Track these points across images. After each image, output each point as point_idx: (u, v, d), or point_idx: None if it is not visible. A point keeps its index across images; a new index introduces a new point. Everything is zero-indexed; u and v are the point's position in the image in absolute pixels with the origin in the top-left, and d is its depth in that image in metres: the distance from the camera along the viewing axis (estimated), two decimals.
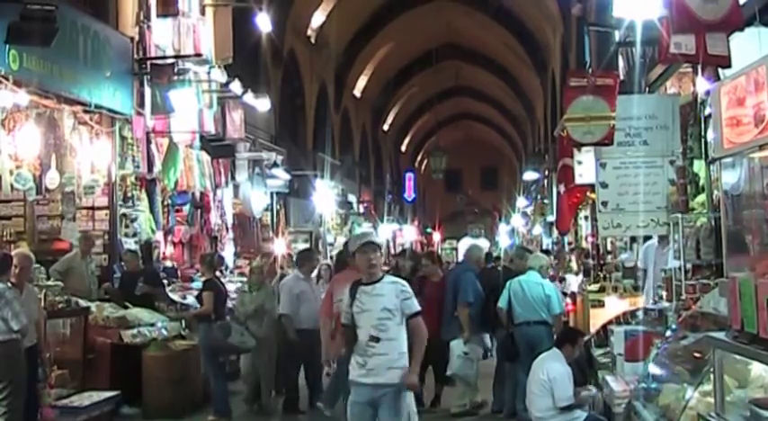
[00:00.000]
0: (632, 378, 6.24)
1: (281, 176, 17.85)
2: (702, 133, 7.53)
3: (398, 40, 28.97)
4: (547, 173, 24.11)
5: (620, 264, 11.23)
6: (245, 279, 11.24)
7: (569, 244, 18.57)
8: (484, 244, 12.92)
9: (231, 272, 13.88)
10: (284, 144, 20.21)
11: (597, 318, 9.08)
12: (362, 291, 5.23)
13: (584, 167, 11.69)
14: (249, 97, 14.32)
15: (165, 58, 12.02)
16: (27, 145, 9.20)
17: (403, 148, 43.02)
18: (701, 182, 7.76)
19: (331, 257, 21.00)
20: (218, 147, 14.11)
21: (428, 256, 10.45)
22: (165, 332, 9.38)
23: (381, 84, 32.76)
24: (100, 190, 10.81)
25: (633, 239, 10.76)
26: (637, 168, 8.67)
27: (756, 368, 4.03)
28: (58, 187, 10.05)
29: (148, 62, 11.61)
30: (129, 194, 11.31)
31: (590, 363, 7.75)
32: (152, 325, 9.34)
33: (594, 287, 10.85)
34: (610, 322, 8.05)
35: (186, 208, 13.62)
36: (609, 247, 13.84)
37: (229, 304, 9.68)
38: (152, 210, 11.82)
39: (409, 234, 39.01)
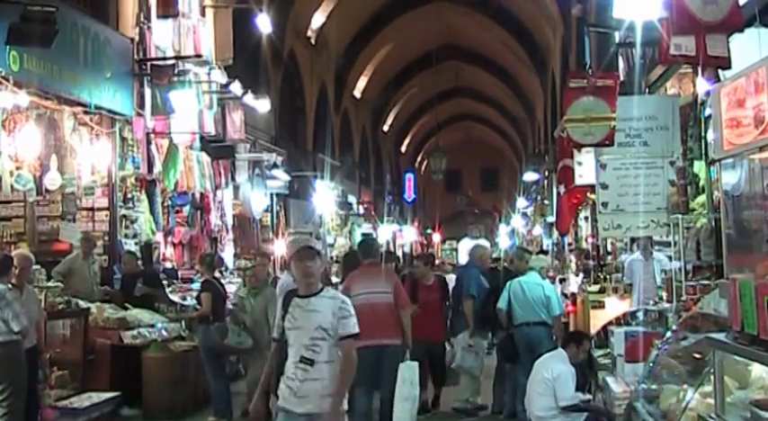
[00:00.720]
0: (632, 379, 6.24)
1: (281, 177, 17.86)
2: (702, 134, 7.54)
3: (398, 40, 28.98)
4: (547, 173, 24.11)
5: (620, 264, 11.24)
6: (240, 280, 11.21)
7: (569, 245, 18.56)
8: (484, 245, 12.96)
9: (231, 273, 13.88)
10: (284, 145, 20.21)
11: (597, 319, 9.08)
12: (296, 305, 4.58)
13: (585, 168, 11.70)
14: (249, 98, 14.32)
15: (165, 58, 12.03)
16: (27, 146, 9.21)
17: (403, 149, 43.03)
18: (702, 183, 7.77)
19: (331, 258, 21.08)
20: (218, 148, 14.11)
21: (421, 258, 10.41)
22: (164, 333, 9.38)
23: (381, 84, 32.77)
24: (100, 191, 10.82)
25: (633, 240, 10.78)
26: (637, 169, 8.66)
27: (757, 369, 4.03)
28: (59, 188, 10.05)
29: (149, 63, 11.62)
30: (130, 195, 11.31)
31: (590, 364, 7.74)
32: (152, 326, 9.35)
33: (595, 288, 10.85)
34: (610, 323, 8.04)
35: (186, 209, 13.63)
36: (609, 248, 13.84)
37: (229, 305, 9.66)
38: (152, 211, 11.82)
39: (409, 235, 39.01)
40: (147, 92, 11.55)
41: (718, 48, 5.82)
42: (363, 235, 21.39)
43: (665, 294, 7.96)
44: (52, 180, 9.78)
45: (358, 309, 7.52)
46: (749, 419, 3.65)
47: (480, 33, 29.66)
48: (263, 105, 15.08)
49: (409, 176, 41.02)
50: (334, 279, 12.68)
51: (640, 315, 7.68)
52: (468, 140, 47.16)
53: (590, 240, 15.30)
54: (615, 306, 9.27)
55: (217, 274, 10.01)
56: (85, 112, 10.10)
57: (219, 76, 13.76)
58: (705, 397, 4.31)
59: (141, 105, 11.44)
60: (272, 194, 18.03)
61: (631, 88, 10.30)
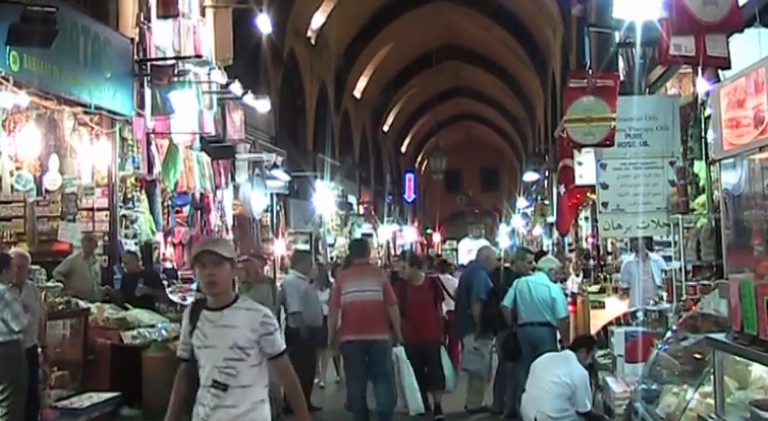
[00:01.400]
0: (632, 379, 6.25)
1: (281, 177, 17.85)
2: (702, 134, 7.55)
3: (398, 40, 28.99)
4: (547, 173, 24.13)
5: (620, 264, 11.25)
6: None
7: (569, 245, 18.57)
8: (490, 246, 13.01)
9: None
10: (284, 145, 20.21)
11: (597, 319, 9.10)
12: (206, 319, 3.86)
13: (585, 168, 11.72)
14: (249, 98, 14.32)
15: (165, 59, 12.02)
16: (27, 146, 9.20)
17: (403, 149, 43.04)
18: (702, 183, 7.77)
19: (331, 258, 21.08)
20: (218, 148, 14.11)
21: (409, 259, 10.18)
22: (164, 333, 9.37)
23: (381, 85, 32.78)
24: (100, 191, 10.82)
25: (633, 241, 10.78)
26: (637, 169, 8.67)
27: (756, 369, 4.04)
28: (59, 188, 10.06)
29: (149, 63, 11.61)
30: (130, 195, 11.31)
31: (590, 365, 7.75)
32: (152, 326, 9.34)
33: (595, 288, 10.86)
34: (610, 323, 8.06)
35: (186, 209, 13.62)
36: (609, 248, 13.85)
37: None
38: (152, 211, 11.81)
39: (409, 235, 39.00)
40: (147, 92, 11.55)
41: (717, 48, 5.83)
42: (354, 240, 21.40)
43: (665, 294, 7.97)
44: (52, 180, 9.77)
45: (349, 305, 8.04)
46: (749, 419, 3.65)
47: (480, 33, 29.66)
48: (263, 105, 15.07)
49: (409, 176, 41.04)
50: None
51: (640, 315, 7.70)
52: (468, 140, 47.17)
53: (590, 240, 15.32)
54: (615, 306, 9.28)
55: None
56: (85, 113, 10.10)
57: (219, 77, 13.75)
58: (705, 397, 4.32)
59: (141, 105, 11.43)
60: (272, 194, 18.02)
61: (631, 88, 10.31)
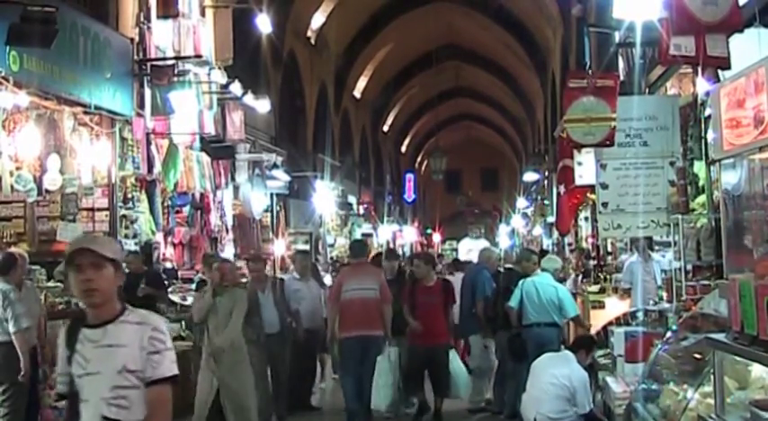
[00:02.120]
0: (632, 379, 6.25)
1: (281, 177, 17.85)
2: (702, 134, 7.55)
3: (398, 41, 28.98)
4: (547, 174, 24.12)
5: (620, 264, 11.25)
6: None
7: (569, 245, 18.57)
8: (490, 247, 13.13)
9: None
10: (284, 145, 20.21)
11: (597, 319, 9.10)
12: (86, 338, 3.11)
13: (585, 168, 11.71)
14: (249, 98, 14.31)
15: (165, 59, 12.01)
16: (27, 146, 9.20)
17: (403, 149, 43.03)
18: (702, 183, 7.77)
19: (331, 258, 21.08)
20: (218, 148, 14.11)
21: (421, 257, 9.83)
22: None
23: (381, 85, 32.77)
24: (100, 191, 10.81)
25: (633, 241, 10.78)
26: (637, 169, 8.68)
27: (756, 369, 4.04)
28: (59, 188, 10.05)
29: (148, 63, 11.60)
30: (129, 196, 11.30)
31: (590, 365, 7.74)
32: None
33: (595, 288, 10.86)
34: (610, 323, 8.06)
35: (186, 209, 13.62)
36: (609, 248, 13.84)
37: None
38: (152, 211, 11.81)
39: (409, 235, 39.01)
40: (147, 92, 11.54)
41: (717, 48, 5.83)
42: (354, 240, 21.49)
43: (665, 294, 7.96)
44: (52, 180, 9.77)
45: (348, 303, 8.29)
46: (749, 419, 3.65)
47: (480, 33, 29.66)
48: (262, 105, 15.07)
49: (409, 176, 41.04)
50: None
51: (640, 315, 7.70)
52: (468, 140, 47.17)
53: (590, 240, 15.32)
54: (615, 306, 9.28)
55: None
56: (85, 113, 10.09)
57: (219, 77, 13.75)
58: (705, 397, 4.32)
59: (141, 105, 11.43)
60: (272, 194, 18.02)
61: (631, 88, 10.30)
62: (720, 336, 3.97)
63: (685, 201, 7.83)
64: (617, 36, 11.23)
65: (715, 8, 5.78)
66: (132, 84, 11.31)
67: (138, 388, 3.10)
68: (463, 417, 9.00)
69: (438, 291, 8.78)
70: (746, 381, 4.17)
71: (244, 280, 9.42)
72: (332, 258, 21.29)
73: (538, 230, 27.29)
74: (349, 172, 29.36)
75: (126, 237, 11.19)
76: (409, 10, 27.32)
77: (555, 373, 6.62)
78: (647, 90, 10.25)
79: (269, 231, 18.02)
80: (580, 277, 13.08)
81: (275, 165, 17.44)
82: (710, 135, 6.93)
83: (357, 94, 31.06)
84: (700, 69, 6.90)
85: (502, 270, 10.14)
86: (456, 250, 41.24)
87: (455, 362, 8.80)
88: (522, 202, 32.69)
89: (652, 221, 8.59)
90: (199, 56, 12.44)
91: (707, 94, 7.03)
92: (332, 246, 24.33)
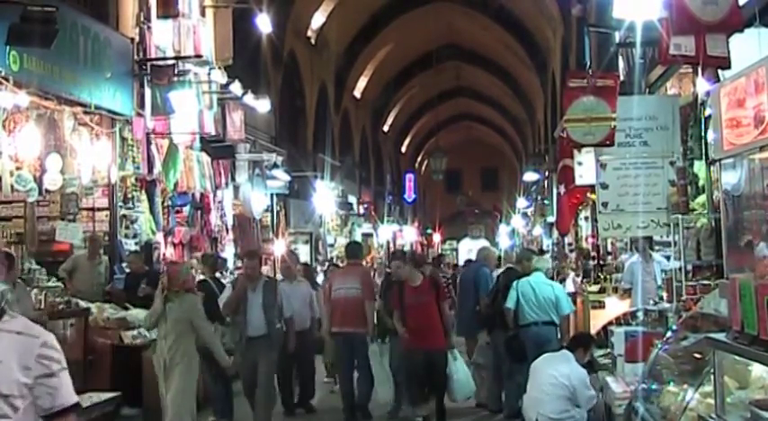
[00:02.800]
0: (632, 379, 6.24)
1: (281, 177, 17.85)
2: (702, 134, 7.54)
3: (398, 41, 28.98)
4: (547, 173, 24.11)
5: (620, 264, 11.25)
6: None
7: (569, 245, 18.57)
8: (489, 246, 13.29)
9: (231, 273, 13.88)
10: (284, 145, 20.21)
11: (597, 319, 9.09)
12: None
13: (585, 168, 11.70)
14: (249, 98, 14.32)
15: (165, 59, 12.03)
16: (27, 146, 9.20)
17: (403, 149, 43.03)
18: (702, 183, 7.77)
19: (330, 258, 21.07)
20: (218, 148, 14.12)
21: (398, 257, 9.24)
22: None
23: (381, 85, 32.77)
24: (100, 191, 10.81)
25: (633, 241, 10.79)
26: (637, 169, 8.67)
27: (757, 369, 4.03)
28: (59, 188, 10.05)
29: (149, 63, 11.62)
30: (130, 195, 11.31)
31: (590, 364, 7.74)
32: None
33: (595, 288, 10.86)
34: (610, 323, 8.05)
35: (186, 209, 13.63)
36: (609, 248, 13.84)
37: None
38: (152, 211, 11.82)
39: (409, 235, 39.01)
40: (147, 92, 11.55)
41: (718, 48, 5.83)
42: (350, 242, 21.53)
43: (665, 294, 7.96)
44: (52, 180, 9.77)
45: (335, 302, 8.79)
46: (749, 419, 3.65)
47: (480, 33, 29.66)
48: (263, 105, 15.08)
49: (409, 176, 41.04)
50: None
51: (640, 315, 7.69)
52: (468, 140, 47.16)
53: (590, 240, 15.31)
54: (615, 306, 9.27)
55: (217, 275, 10.05)
56: (85, 113, 10.10)
57: (219, 76, 13.76)
58: (705, 397, 4.31)
59: (141, 105, 11.44)
60: (272, 194, 18.03)
61: (631, 88, 10.30)
62: (720, 336, 3.96)
63: (685, 200, 7.82)
64: (617, 36, 11.22)
65: (715, 8, 5.78)
66: (132, 83, 11.32)
67: (8, 418, 2.35)
68: (463, 417, 9.00)
69: (427, 290, 8.13)
70: (746, 381, 4.16)
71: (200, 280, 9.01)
72: (330, 258, 21.27)
73: (538, 230, 27.28)
74: (349, 172, 29.36)
75: (126, 236, 11.20)
76: (409, 10, 27.33)
77: (554, 373, 6.62)
78: (647, 90, 10.24)
79: (269, 231, 18.03)
80: (580, 277, 13.09)
81: (275, 165, 17.45)
82: (710, 135, 6.93)
83: (357, 93, 31.06)
84: (700, 69, 6.90)
85: (495, 273, 10.11)
86: (456, 250, 41.30)
87: (457, 363, 8.21)
88: (522, 202, 32.69)
89: (652, 221, 8.58)
90: (199, 56, 12.45)
91: (707, 93, 7.02)
92: (332, 246, 24.32)
